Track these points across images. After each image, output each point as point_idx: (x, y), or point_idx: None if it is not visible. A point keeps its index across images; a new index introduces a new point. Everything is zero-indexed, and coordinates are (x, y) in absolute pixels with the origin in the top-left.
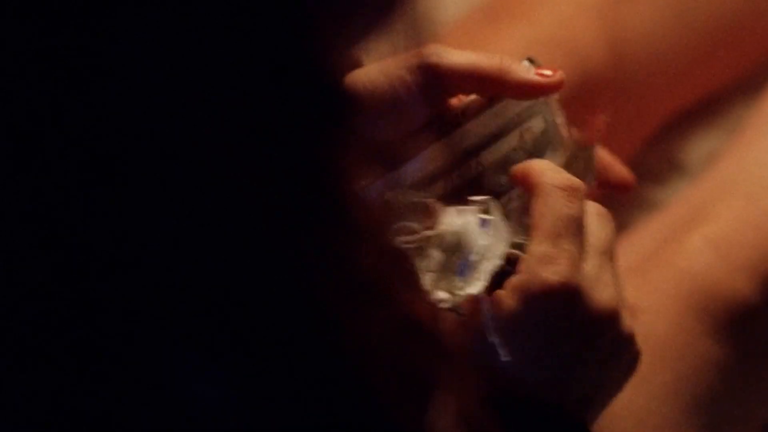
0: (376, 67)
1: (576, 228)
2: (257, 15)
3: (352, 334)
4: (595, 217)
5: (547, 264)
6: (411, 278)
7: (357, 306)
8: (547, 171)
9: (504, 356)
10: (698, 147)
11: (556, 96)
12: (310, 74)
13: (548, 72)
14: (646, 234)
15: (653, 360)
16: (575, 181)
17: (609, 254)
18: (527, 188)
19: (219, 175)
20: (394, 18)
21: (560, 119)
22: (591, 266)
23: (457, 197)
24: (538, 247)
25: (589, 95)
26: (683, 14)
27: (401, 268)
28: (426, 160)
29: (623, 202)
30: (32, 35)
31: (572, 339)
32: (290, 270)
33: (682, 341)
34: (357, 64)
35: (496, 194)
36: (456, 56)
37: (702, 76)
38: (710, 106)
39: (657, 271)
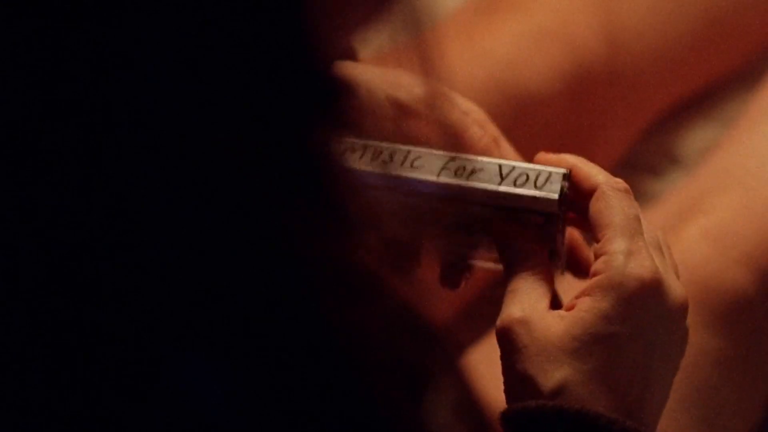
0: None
1: (641, 226)
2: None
3: (346, 329)
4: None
5: (633, 260)
6: (405, 271)
7: (352, 300)
8: (600, 174)
9: None
10: (694, 139)
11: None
12: (306, 64)
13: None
14: None
15: None
16: (624, 182)
17: (660, 248)
18: (581, 190)
19: (213, 169)
20: (391, 8)
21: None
22: (658, 260)
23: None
24: (619, 244)
25: (584, 86)
26: (679, 6)
27: (396, 261)
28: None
29: None
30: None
31: (660, 331)
32: (284, 264)
33: None
34: (353, 55)
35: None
36: (420, 96)
37: (697, 67)
38: (706, 98)
39: None
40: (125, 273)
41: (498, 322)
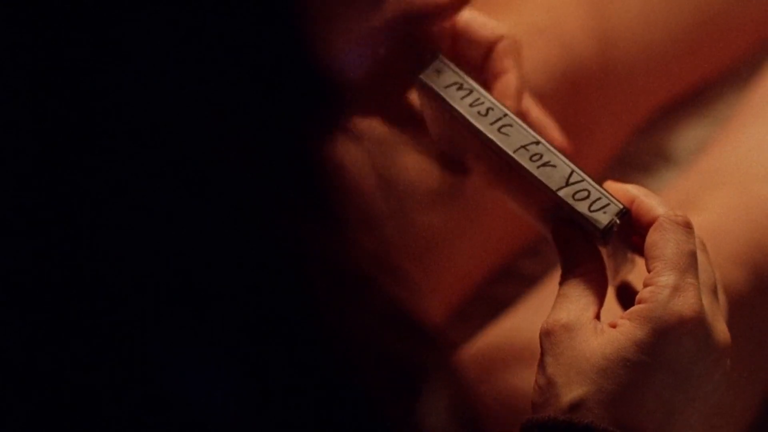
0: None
1: (696, 264)
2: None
3: (340, 328)
4: (701, 253)
5: (678, 296)
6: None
7: (345, 299)
8: (661, 206)
9: None
10: (686, 137)
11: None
12: (302, 64)
13: None
14: None
15: None
16: (687, 217)
17: (716, 290)
18: (642, 222)
19: (208, 167)
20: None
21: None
22: (707, 302)
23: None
24: (668, 278)
25: (576, 85)
26: (671, 5)
27: (391, 260)
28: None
29: None
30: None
31: (688, 375)
32: (280, 262)
33: None
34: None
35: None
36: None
37: (689, 65)
38: (698, 96)
39: None
40: (119, 271)
41: (544, 324)
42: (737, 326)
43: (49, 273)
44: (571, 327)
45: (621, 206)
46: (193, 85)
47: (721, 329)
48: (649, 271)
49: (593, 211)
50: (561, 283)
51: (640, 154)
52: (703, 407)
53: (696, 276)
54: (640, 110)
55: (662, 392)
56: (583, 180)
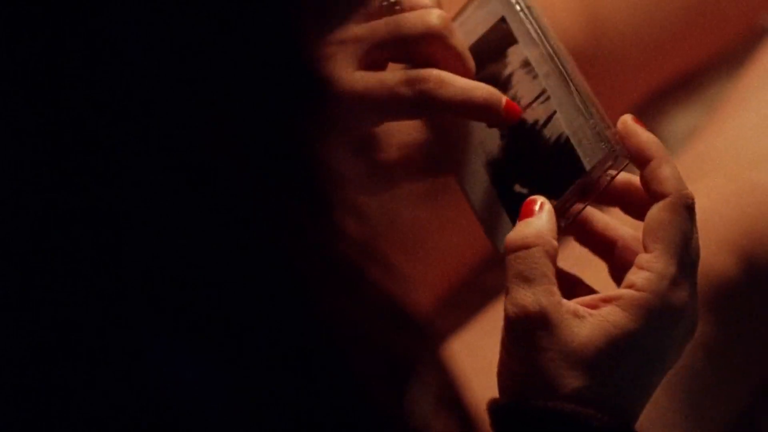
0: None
1: (696, 250)
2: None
3: (330, 320)
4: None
5: (674, 287)
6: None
7: (335, 290)
8: (675, 180)
9: None
10: (676, 124)
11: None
12: (290, 58)
13: None
14: None
15: None
16: (692, 195)
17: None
18: (651, 192)
19: (200, 162)
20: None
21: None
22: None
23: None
24: (669, 269)
25: None
26: None
27: (382, 253)
28: None
29: None
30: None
31: (672, 351)
32: (272, 255)
33: None
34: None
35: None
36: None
37: (680, 52)
38: (688, 82)
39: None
40: (111, 265)
41: (510, 310)
42: (728, 312)
43: (43, 270)
44: (546, 317)
45: (625, 160)
46: (184, 83)
47: (697, 311)
48: (645, 249)
49: (592, 144)
50: (508, 257)
51: None
52: (662, 375)
53: (694, 267)
54: (630, 96)
55: (641, 373)
56: (598, 114)
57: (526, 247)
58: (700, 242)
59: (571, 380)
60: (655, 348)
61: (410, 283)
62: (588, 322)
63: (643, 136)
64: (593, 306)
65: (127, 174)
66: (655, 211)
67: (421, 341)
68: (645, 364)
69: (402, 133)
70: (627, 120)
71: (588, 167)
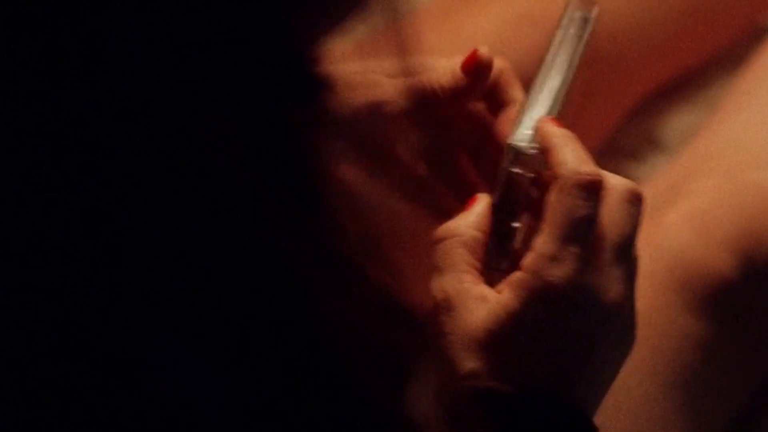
0: (362, 73)
1: (589, 227)
2: None
3: (329, 316)
4: (624, 205)
5: (553, 265)
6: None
7: (335, 287)
8: (569, 163)
9: None
10: (676, 123)
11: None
12: (285, 55)
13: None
14: None
15: None
16: (597, 175)
17: (627, 248)
18: (547, 175)
19: (199, 161)
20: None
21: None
22: (604, 263)
23: None
24: (546, 246)
25: None
26: None
27: (381, 251)
28: None
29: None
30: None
31: (576, 337)
32: (271, 255)
33: (661, 318)
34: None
35: None
36: (444, 77)
37: (679, 52)
38: (688, 82)
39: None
40: (111, 265)
41: (426, 300)
42: (727, 312)
43: (43, 270)
44: (449, 303)
45: (534, 153)
46: (181, 82)
47: (613, 289)
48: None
49: (519, 139)
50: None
51: (629, 140)
52: (607, 365)
53: (585, 243)
54: (629, 96)
55: (555, 355)
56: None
57: (440, 239)
58: (699, 241)
59: (468, 362)
60: (566, 331)
61: (409, 280)
62: (486, 305)
63: (547, 127)
64: (501, 289)
65: (126, 174)
66: (549, 192)
67: (421, 339)
68: (560, 348)
69: (401, 131)
70: (543, 120)
71: (506, 164)
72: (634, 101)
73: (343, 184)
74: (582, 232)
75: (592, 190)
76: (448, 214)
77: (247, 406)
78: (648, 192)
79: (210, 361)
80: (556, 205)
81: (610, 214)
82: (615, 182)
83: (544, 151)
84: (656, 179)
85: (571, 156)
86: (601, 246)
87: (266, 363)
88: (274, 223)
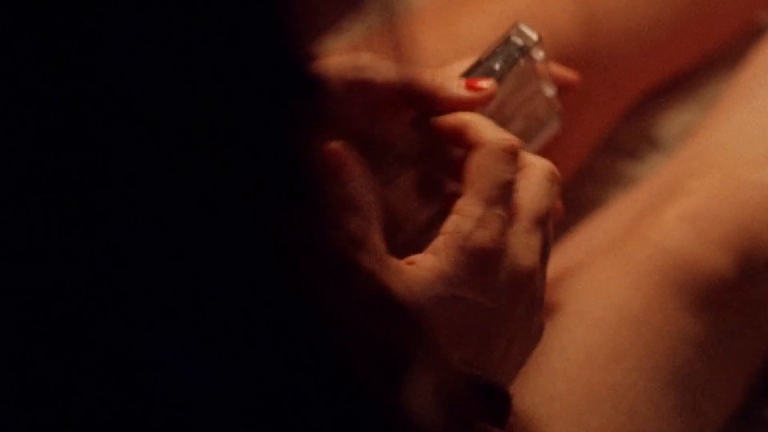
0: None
1: (509, 192)
2: None
3: (326, 313)
4: (543, 180)
5: (480, 227)
6: (387, 257)
7: (331, 284)
8: (488, 129)
9: None
10: (673, 122)
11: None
12: (283, 59)
13: (483, 84)
14: (622, 209)
15: (630, 335)
16: (515, 142)
17: (542, 220)
18: (464, 143)
19: (198, 160)
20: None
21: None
22: (520, 229)
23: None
24: (472, 207)
25: None
26: None
27: (378, 248)
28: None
29: (599, 177)
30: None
31: (492, 298)
32: (270, 253)
33: (658, 316)
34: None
35: None
36: (389, 72)
37: (676, 51)
38: (685, 81)
39: (633, 247)
40: (109, 265)
41: None
42: (723, 309)
43: (42, 270)
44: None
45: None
46: (174, 82)
47: (523, 259)
48: (462, 195)
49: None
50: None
51: (626, 139)
52: (517, 338)
53: (506, 207)
54: (626, 95)
55: (476, 324)
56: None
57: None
58: (696, 240)
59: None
60: (477, 292)
61: (404, 275)
62: (405, 275)
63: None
64: (410, 262)
65: (125, 173)
66: (469, 159)
67: (418, 333)
68: (472, 311)
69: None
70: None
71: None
72: (632, 100)
73: (337, 178)
74: (505, 196)
75: (513, 156)
76: (445, 209)
77: (246, 405)
78: (645, 190)
79: (209, 362)
80: (482, 168)
81: (529, 186)
82: (534, 160)
83: (461, 127)
84: (653, 178)
85: (491, 127)
86: (518, 214)
87: (264, 362)
88: (274, 223)
